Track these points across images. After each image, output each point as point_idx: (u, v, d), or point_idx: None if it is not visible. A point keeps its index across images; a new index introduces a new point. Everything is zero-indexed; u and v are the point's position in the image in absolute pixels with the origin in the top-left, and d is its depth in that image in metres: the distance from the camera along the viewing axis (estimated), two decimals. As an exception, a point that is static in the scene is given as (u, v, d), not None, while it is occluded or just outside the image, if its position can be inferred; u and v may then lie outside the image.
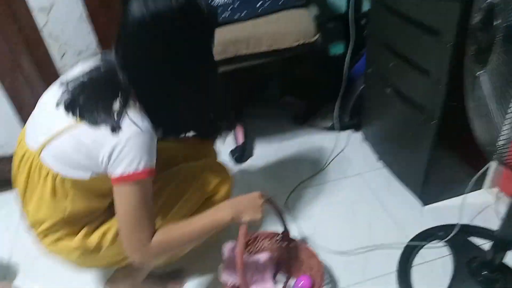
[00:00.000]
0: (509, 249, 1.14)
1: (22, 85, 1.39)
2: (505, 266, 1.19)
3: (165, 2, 0.81)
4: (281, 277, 1.28)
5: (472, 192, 1.47)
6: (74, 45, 1.38)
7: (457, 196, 1.48)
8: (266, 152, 1.79)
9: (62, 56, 1.39)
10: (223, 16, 1.43)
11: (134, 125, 0.85)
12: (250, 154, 1.76)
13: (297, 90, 1.91)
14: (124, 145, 0.84)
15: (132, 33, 0.83)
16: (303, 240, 1.38)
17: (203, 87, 0.96)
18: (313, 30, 1.43)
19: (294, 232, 1.39)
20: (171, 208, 1.06)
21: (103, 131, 0.84)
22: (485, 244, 1.30)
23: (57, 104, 0.89)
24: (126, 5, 0.83)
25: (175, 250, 1.03)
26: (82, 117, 0.86)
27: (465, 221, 1.38)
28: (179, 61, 0.86)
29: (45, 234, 0.98)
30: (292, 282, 1.25)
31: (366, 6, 2.00)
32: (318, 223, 1.45)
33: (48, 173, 0.91)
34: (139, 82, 0.88)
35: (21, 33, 1.30)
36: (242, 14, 1.45)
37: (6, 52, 1.32)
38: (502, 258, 1.15)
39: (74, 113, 0.87)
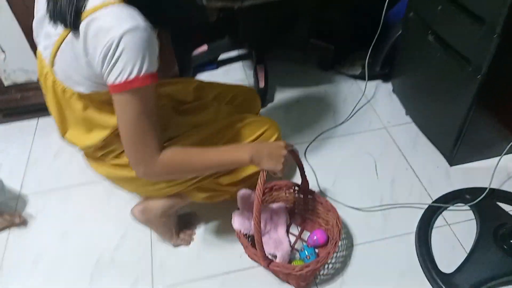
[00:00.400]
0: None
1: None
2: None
3: None
4: (295, 229, 1.24)
5: (507, 155, 1.38)
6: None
7: (487, 158, 1.39)
8: (288, 98, 1.69)
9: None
10: None
11: (128, 19, 0.71)
12: (270, 99, 1.67)
13: (326, 32, 1.76)
14: (118, 45, 0.70)
15: None
16: (322, 193, 1.33)
17: None
18: None
19: (313, 184, 1.33)
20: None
21: (94, 30, 0.72)
22: (513, 211, 1.24)
23: (47, 12, 0.78)
24: None
25: (184, 175, 0.96)
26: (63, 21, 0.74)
27: (495, 185, 1.30)
28: None
29: (105, 153, 0.96)
30: (306, 235, 1.21)
31: None
32: (338, 176, 1.38)
33: (71, 95, 0.84)
34: None
35: None
36: None
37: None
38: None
39: (59, 20, 0.75)
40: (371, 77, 1.69)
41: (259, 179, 0.93)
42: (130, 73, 0.72)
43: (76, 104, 0.86)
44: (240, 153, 0.90)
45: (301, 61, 1.83)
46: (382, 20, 1.51)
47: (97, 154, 0.98)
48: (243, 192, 1.16)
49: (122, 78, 0.72)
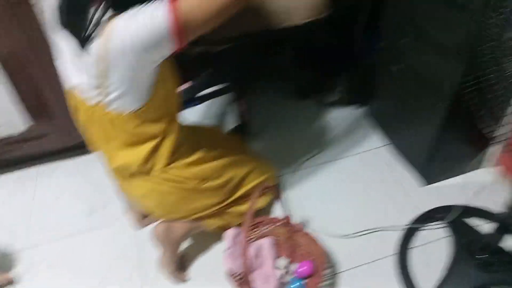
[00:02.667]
0: (507, 233, 1.16)
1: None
2: (502, 250, 1.22)
3: None
4: (282, 262, 1.30)
5: (474, 171, 1.48)
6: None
7: (459, 175, 1.49)
8: (269, 128, 1.77)
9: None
10: None
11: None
12: (251, 131, 1.73)
13: (303, 61, 1.84)
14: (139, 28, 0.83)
15: None
16: (304, 225, 1.40)
17: None
18: (323, 6, 1.34)
19: (295, 215, 1.41)
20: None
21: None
22: (484, 225, 1.32)
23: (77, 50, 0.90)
24: None
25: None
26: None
27: (465, 201, 1.39)
28: None
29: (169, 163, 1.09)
30: (293, 267, 1.28)
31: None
32: (319, 206, 1.46)
33: (128, 117, 0.96)
34: None
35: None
36: None
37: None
38: (500, 241, 1.18)
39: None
40: (349, 103, 1.78)
41: (244, 221, 1.01)
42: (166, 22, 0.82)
43: (129, 124, 0.98)
44: None
45: (279, 91, 1.90)
46: (356, 50, 1.61)
47: (143, 169, 1.08)
48: (231, 231, 1.22)
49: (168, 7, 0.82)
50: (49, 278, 1.34)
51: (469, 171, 1.49)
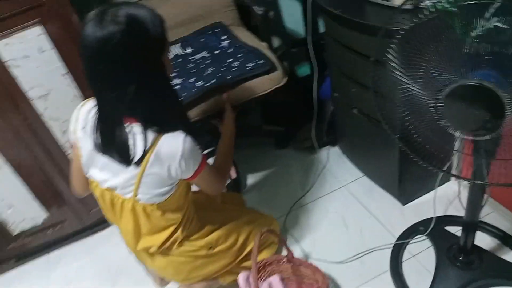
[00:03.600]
0: (475, 231, 1.33)
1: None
2: (478, 248, 1.40)
3: (108, 28, 0.92)
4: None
5: (443, 185, 1.69)
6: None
7: (431, 191, 1.69)
8: (257, 180, 1.97)
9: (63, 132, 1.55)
10: (197, 85, 1.53)
11: (174, 138, 1.05)
12: (244, 186, 1.94)
13: (274, 118, 2.10)
14: (185, 157, 1.06)
15: (90, 58, 0.97)
16: (306, 257, 1.57)
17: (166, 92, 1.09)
18: (281, 76, 1.60)
19: (297, 251, 1.58)
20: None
21: (162, 159, 1.05)
22: (460, 231, 1.50)
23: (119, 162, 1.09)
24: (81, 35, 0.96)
25: (228, 167, 1.38)
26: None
27: (440, 213, 1.59)
28: (140, 73, 0.99)
29: (170, 245, 1.26)
30: (303, 297, 1.44)
31: (322, 28, 2.21)
32: (316, 238, 1.64)
33: (151, 209, 1.16)
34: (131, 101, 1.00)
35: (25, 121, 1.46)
36: (212, 82, 1.53)
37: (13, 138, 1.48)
38: (473, 241, 1.36)
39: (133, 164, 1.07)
40: (321, 145, 2.01)
41: (252, 267, 1.19)
42: (195, 165, 1.12)
43: (155, 213, 1.17)
44: (232, 134, 1.42)
45: (260, 145, 2.13)
46: (316, 99, 1.86)
47: (162, 249, 1.25)
48: (242, 275, 1.39)
49: (194, 170, 1.12)
50: None
51: (439, 185, 1.70)
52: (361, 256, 1.53)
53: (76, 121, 1.14)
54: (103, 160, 1.10)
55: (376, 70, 1.10)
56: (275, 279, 1.44)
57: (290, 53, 2.33)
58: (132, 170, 1.08)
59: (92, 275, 1.72)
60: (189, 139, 1.06)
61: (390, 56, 0.98)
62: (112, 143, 1.06)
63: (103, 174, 1.14)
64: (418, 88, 0.98)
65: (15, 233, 1.71)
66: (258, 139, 2.16)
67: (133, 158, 1.05)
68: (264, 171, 2.01)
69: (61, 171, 1.62)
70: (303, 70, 2.37)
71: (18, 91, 1.39)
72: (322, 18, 2.14)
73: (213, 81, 1.53)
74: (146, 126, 1.04)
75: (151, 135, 1.04)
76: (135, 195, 1.12)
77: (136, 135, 1.05)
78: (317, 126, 1.94)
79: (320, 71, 1.82)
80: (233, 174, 1.91)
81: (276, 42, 2.24)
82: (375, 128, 1.56)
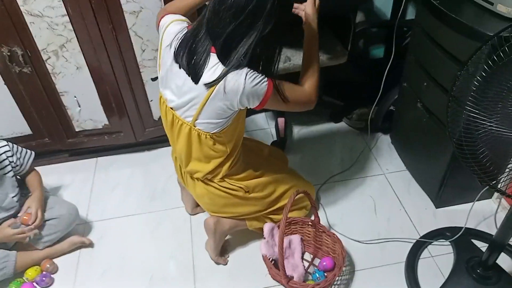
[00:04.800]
0: (501, 251, 1.36)
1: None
2: (498, 266, 1.42)
3: None
4: (308, 257, 1.56)
5: (481, 201, 1.69)
6: (152, 43, 1.64)
7: (467, 203, 1.70)
8: (303, 145, 2.03)
9: (143, 51, 1.65)
10: None
11: (238, 76, 1.09)
12: (289, 146, 2.00)
13: (336, 91, 2.12)
14: (247, 92, 1.10)
15: None
16: (330, 227, 1.64)
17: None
18: (342, 54, 1.62)
19: (323, 220, 1.65)
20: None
21: (226, 94, 1.11)
22: (484, 247, 1.52)
23: (186, 72, 1.16)
24: None
25: (317, 78, 1.32)
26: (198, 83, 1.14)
27: (471, 225, 1.60)
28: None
29: (213, 177, 1.37)
30: (317, 261, 1.53)
31: (410, 14, 2.16)
32: (344, 213, 1.70)
33: (206, 136, 1.24)
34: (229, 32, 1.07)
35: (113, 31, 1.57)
36: None
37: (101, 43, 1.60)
38: (495, 259, 1.38)
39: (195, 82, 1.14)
40: (373, 130, 2.02)
41: (279, 231, 1.28)
42: (260, 96, 1.13)
43: (208, 141, 1.26)
44: (317, 36, 1.31)
45: (315, 114, 2.17)
46: (382, 84, 1.86)
47: (208, 176, 1.37)
48: (268, 225, 1.48)
49: (260, 100, 1.14)
50: (118, 245, 1.64)
51: (478, 200, 1.70)
52: (382, 242, 1.59)
53: (161, 40, 1.23)
54: (177, 81, 1.19)
55: (461, 74, 1.10)
56: (296, 238, 1.54)
57: (369, 32, 2.31)
58: (198, 96, 1.15)
59: (133, 187, 1.88)
60: (249, 75, 1.09)
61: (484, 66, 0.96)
62: (191, 58, 1.13)
63: (172, 94, 1.23)
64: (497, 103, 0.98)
65: (76, 130, 1.88)
66: (316, 106, 2.18)
67: (201, 76, 1.12)
68: (311, 138, 2.07)
69: (131, 87, 1.74)
70: (377, 52, 2.35)
71: (115, 2, 1.49)
72: (414, 5, 2.10)
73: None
74: (221, 59, 1.11)
75: (221, 68, 1.11)
76: (195, 119, 1.20)
77: (210, 63, 1.12)
78: (376, 110, 1.95)
79: (395, 57, 1.80)
80: (281, 132, 1.98)
81: (359, 17, 2.21)
82: (434, 127, 1.56)
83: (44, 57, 1.62)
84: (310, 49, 1.31)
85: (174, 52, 1.17)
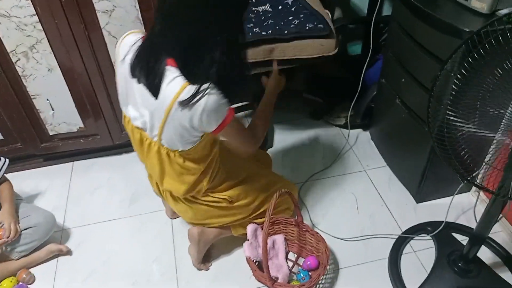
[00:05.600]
0: (481, 244, 1.38)
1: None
2: (479, 259, 1.45)
3: None
4: (292, 256, 1.55)
5: (460, 194, 1.71)
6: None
7: (447, 196, 1.72)
8: (284, 143, 2.02)
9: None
10: (254, 31, 1.56)
11: (200, 92, 1.01)
12: (270, 145, 1.99)
13: (316, 89, 2.11)
14: (206, 111, 1.02)
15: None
16: (313, 226, 1.64)
17: (235, 49, 1.08)
18: (333, 46, 1.61)
19: (305, 219, 1.65)
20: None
21: (184, 110, 1.03)
22: (465, 240, 1.54)
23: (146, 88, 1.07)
24: None
25: (265, 130, 1.34)
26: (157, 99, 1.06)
27: (450, 219, 1.62)
28: (219, 25, 1.00)
29: (194, 195, 1.32)
30: (301, 260, 1.52)
31: (386, 10, 2.17)
32: (327, 211, 1.70)
33: (174, 155, 1.18)
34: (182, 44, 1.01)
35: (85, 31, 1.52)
36: (268, 32, 1.57)
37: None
38: (476, 252, 1.40)
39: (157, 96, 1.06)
40: (353, 127, 2.03)
41: (263, 233, 1.26)
42: (219, 119, 1.07)
43: (178, 160, 1.19)
44: (272, 102, 1.38)
45: (296, 111, 2.17)
46: (361, 81, 1.86)
47: (188, 196, 1.32)
48: (251, 226, 1.47)
49: (217, 124, 1.08)
50: (98, 251, 1.59)
51: (457, 193, 1.72)
52: (365, 239, 1.59)
53: (117, 54, 1.15)
54: (137, 97, 1.11)
55: (440, 74, 1.10)
56: (279, 238, 1.52)
57: (347, 29, 2.30)
58: (159, 111, 1.07)
59: (112, 191, 1.83)
60: (213, 96, 1.01)
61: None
62: (148, 73, 1.05)
63: (135, 111, 1.15)
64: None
65: (50, 133, 1.82)
66: (295, 104, 2.18)
67: (160, 90, 1.04)
68: (292, 136, 2.06)
69: (106, 87, 1.69)
70: (355, 49, 2.36)
71: (86, 0, 1.44)
72: (390, 1, 2.11)
73: (269, 31, 1.56)
74: (182, 72, 1.03)
75: (181, 81, 1.02)
76: (160, 139, 1.14)
77: (167, 77, 1.03)
78: (355, 107, 1.95)
79: (372, 54, 1.81)
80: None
81: (337, 13, 2.21)
82: (413, 122, 1.57)
83: (13, 59, 1.56)
84: (265, 106, 1.36)
85: (130, 65, 1.09)
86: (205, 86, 1.01)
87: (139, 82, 1.08)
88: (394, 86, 1.67)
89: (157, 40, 1.04)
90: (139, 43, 1.10)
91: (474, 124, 1.02)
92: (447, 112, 1.06)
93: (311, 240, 1.50)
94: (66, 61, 1.59)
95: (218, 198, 1.36)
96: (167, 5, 1.01)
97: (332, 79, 2.08)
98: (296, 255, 1.56)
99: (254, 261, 1.42)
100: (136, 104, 1.14)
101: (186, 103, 1.01)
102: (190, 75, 1.02)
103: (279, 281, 1.39)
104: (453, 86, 1.01)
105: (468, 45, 0.95)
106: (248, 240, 1.45)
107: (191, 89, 1.01)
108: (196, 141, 1.15)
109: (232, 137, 1.20)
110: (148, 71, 1.05)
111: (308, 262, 1.46)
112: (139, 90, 1.09)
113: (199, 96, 1.01)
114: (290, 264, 1.52)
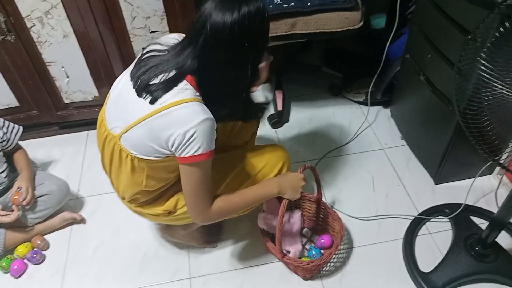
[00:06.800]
0: (502, 230, 1.34)
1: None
2: (497, 244, 1.41)
3: (252, 5, 0.93)
4: (307, 232, 1.53)
5: (482, 177, 1.65)
6: (143, 10, 1.55)
7: (467, 179, 1.66)
8: (301, 118, 1.98)
9: (133, 19, 1.56)
10: (275, 2, 1.50)
11: (202, 113, 0.98)
12: (286, 120, 1.95)
13: (336, 63, 2.04)
14: (194, 132, 0.96)
15: (219, 32, 0.93)
16: (331, 205, 1.61)
17: (249, 76, 1.04)
18: (359, 18, 1.54)
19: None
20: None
21: (174, 118, 0.97)
22: (483, 224, 1.50)
23: (135, 91, 1.02)
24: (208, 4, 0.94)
25: (229, 215, 1.20)
26: (153, 103, 0.99)
27: (470, 202, 1.58)
28: (243, 58, 1.00)
29: (130, 201, 1.23)
30: (315, 238, 1.50)
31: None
32: (342, 189, 1.67)
33: (127, 156, 1.08)
34: (207, 71, 0.99)
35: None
36: (291, 4, 1.51)
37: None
38: (495, 237, 1.36)
39: (149, 101, 0.99)
40: (373, 103, 1.97)
41: (281, 206, 1.23)
42: (198, 150, 0.99)
43: (127, 163, 1.09)
44: (270, 189, 1.20)
45: (314, 86, 2.11)
46: (384, 56, 1.79)
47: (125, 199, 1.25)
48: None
49: (192, 153, 0.99)
50: (110, 221, 1.60)
51: (479, 176, 1.67)
52: (380, 219, 1.56)
53: (159, 40, 1.12)
54: (123, 105, 1.07)
55: (468, 44, 1.03)
56: (296, 213, 1.49)
57: (370, 0, 2.20)
58: (140, 111, 1.01)
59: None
60: (210, 123, 0.99)
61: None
62: (162, 78, 1.01)
63: (114, 111, 1.11)
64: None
65: (66, 102, 1.81)
66: (313, 78, 2.12)
67: (160, 95, 0.99)
68: (310, 112, 2.01)
69: (121, 56, 1.66)
70: (378, 22, 2.24)
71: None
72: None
73: (292, 3, 1.50)
74: (198, 91, 1.01)
75: (190, 94, 0.99)
76: (125, 131, 1.05)
77: (179, 87, 1.00)
78: (376, 83, 1.88)
79: (397, 27, 1.72)
80: (279, 105, 1.92)
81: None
82: (437, 101, 1.50)
83: (28, 24, 1.53)
84: (253, 196, 1.19)
85: (149, 60, 1.05)
86: (207, 112, 0.99)
87: (134, 87, 1.03)
88: (419, 62, 1.59)
89: (187, 56, 1.01)
90: (174, 45, 1.06)
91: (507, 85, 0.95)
92: (480, 68, 0.97)
93: (328, 218, 1.47)
94: (81, 27, 1.56)
95: (155, 212, 1.24)
96: (203, 36, 0.96)
97: (353, 53, 2.00)
98: (311, 232, 1.54)
99: (268, 233, 1.41)
100: (124, 92, 1.07)
101: (176, 115, 0.97)
102: (204, 97, 1.01)
103: (290, 255, 1.38)
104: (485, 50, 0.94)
105: (500, 16, 0.89)
106: (264, 211, 1.43)
107: (196, 104, 0.98)
108: (157, 157, 1.05)
109: (189, 181, 1.05)
110: (163, 75, 1.01)
111: (322, 240, 1.45)
112: (129, 97, 1.04)
113: (194, 113, 0.97)
114: (304, 240, 1.50)
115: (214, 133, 1.02)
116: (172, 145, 1.00)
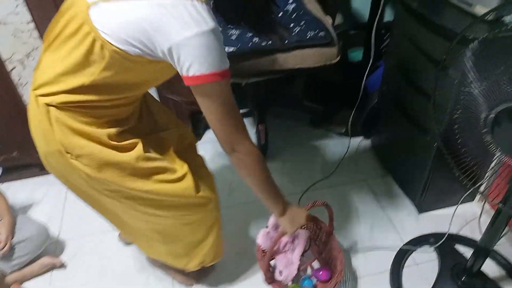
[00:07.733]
0: (486, 257, 1.34)
1: None
2: (483, 273, 1.41)
3: None
4: (308, 255, 1.49)
5: (464, 204, 1.67)
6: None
7: (449, 206, 1.68)
8: (284, 151, 1.99)
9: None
10: (253, 41, 1.53)
11: (208, 18, 0.78)
12: (270, 153, 1.95)
13: (316, 96, 2.08)
14: (195, 43, 0.77)
15: None
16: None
17: None
18: (335, 53, 1.58)
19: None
20: None
21: (174, 19, 0.76)
22: (468, 252, 1.50)
23: None
24: None
25: (247, 177, 1.00)
26: None
27: (454, 230, 1.58)
28: None
29: (52, 99, 0.91)
30: (315, 265, 1.48)
31: (388, 16, 2.15)
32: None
33: (89, 33, 0.81)
34: None
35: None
36: (269, 43, 1.53)
37: None
38: (480, 266, 1.36)
39: None
40: (354, 134, 1.99)
41: (276, 236, 1.23)
42: (199, 68, 0.78)
43: (85, 40, 0.82)
44: (280, 206, 1.11)
45: (296, 119, 2.14)
46: (362, 88, 1.83)
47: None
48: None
49: (193, 75, 0.79)
50: (93, 262, 1.56)
51: (461, 203, 1.68)
52: (367, 251, 1.55)
53: None
54: None
55: (440, 76, 1.07)
56: (302, 234, 1.42)
57: (348, 35, 2.28)
58: None
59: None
60: (215, 35, 0.78)
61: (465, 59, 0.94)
62: None
63: None
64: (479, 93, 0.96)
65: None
66: (295, 111, 2.15)
67: None
68: (292, 145, 2.02)
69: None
70: (355, 55, 2.33)
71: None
72: (392, 7, 2.09)
73: (269, 42, 1.53)
74: None
75: None
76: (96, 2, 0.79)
77: None
78: (356, 114, 1.91)
79: (373, 60, 1.77)
80: (262, 139, 1.93)
81: (338, 19, 2.19)
82: (415, 131, 1.53)
83: (9, 67, 1.54)
84: (265, 191, 1.06)
85: None
86: (212, 20, 0.79)
87: None
88: (395, 93, 1.64)
89: None
90: None
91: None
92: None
93: (333, 250, 1.42)
94: None
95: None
96: None
97: (332, 86, 2.05)
98: (313, 257, 1.51)
99: (264, 250, 1.38)
100: None
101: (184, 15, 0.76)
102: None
103: (282, 277, 1.35)
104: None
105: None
106: (266, 227, 1.39)
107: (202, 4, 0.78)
108: (138, 54, 0.82)
109: (209, 105, 0.85)
110: None
111: (320, 273, 1.41)
112: None
113: (199, 19, 0.76)
114: (303, 265, 1.45)
115: (223, 46, 0.82)
116: (163, 52, 0.80)
